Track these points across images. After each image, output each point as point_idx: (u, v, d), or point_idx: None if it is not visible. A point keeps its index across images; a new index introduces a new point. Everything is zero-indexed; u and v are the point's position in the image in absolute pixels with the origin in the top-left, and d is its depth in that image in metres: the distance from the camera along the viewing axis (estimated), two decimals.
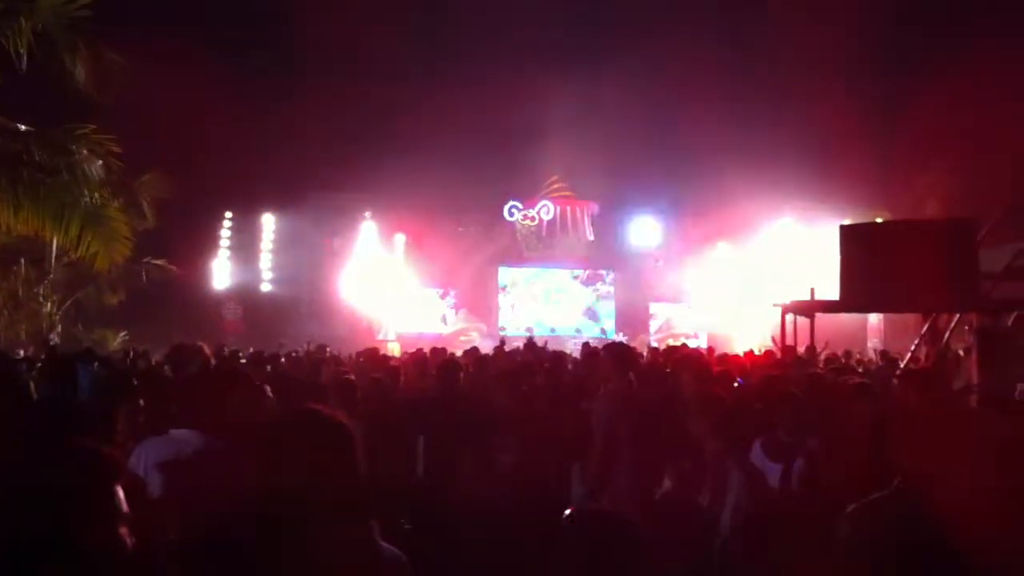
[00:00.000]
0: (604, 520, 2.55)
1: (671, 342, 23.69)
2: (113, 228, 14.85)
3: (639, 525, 2.40)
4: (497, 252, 32.30)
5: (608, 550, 2.28)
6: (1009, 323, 11.31)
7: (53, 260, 18.63)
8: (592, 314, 32.75)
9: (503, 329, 30.81)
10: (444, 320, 31.12)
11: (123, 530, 2.29)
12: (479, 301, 31.89)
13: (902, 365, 13.33)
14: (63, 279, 19.20)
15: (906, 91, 24.49)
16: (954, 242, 9.52)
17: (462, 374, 8.35)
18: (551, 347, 15.92)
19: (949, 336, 12.07)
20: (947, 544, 2.77)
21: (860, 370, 13.42)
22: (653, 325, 31.73)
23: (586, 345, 13.55)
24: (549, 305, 32.55)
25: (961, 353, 11.51)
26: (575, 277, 33.09)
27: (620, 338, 28.51)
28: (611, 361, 6.72)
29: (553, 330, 30.81)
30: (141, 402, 4.91)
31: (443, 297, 31.50)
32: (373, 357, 11.85)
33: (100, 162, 14.37)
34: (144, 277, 20.41)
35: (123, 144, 14.84)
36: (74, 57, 13.46)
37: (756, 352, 15.21)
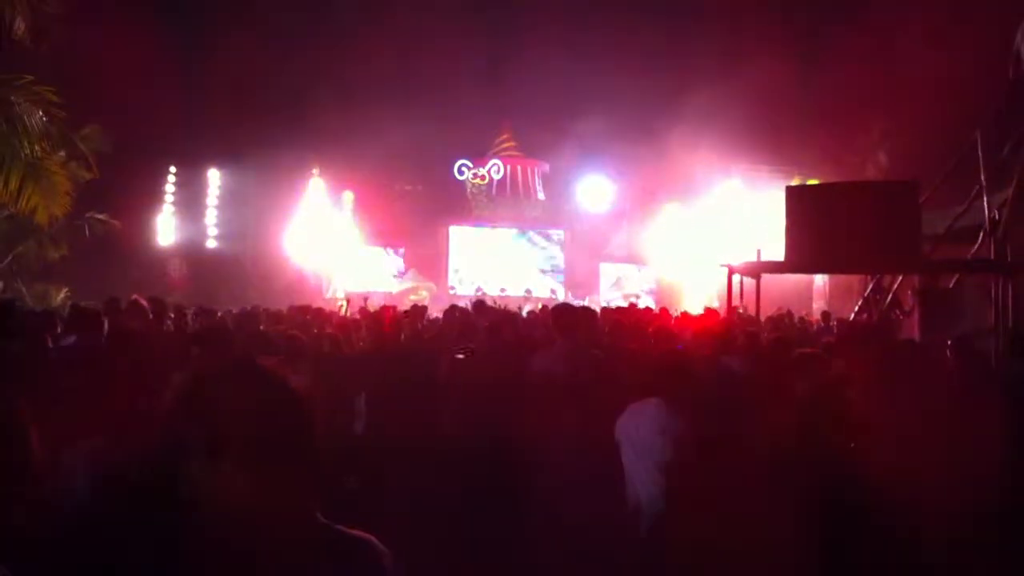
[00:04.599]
0: None
1: (619, 302, 23.89)
2: (54, 182, 14.55)
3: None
4: (447, 211, 32.23)
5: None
6: (950, 285, 11.56)
7: None
8: (541, 274, 32.84)
9: (452, 289, 30.81)
10: (393, 279, 31.01)
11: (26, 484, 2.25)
12: (429, 260, 31.81)
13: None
14: (3, 233, 18.75)
15: (852, 52, 24.71)
16: (897, 204, 9.67)
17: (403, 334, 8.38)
18: (500, 306, 16.07)
19: (892, 297, 12.33)
20: None
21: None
22: (603, 285, 31.88)
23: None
24: (499, 265, 32.54)
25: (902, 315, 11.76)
26: (525, 236, 33.10)
27: (570, 298, 28.70)
28: (554, 321, 6.83)
29: (503, 290, 30.84)
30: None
31: (392, 256, 31.39)
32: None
33: (40, 113, 14.06)
34: (87, 231, 19.99)
35: (64, 97, 14.51)
36: (12, 6, 13.11)
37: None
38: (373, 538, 2.07)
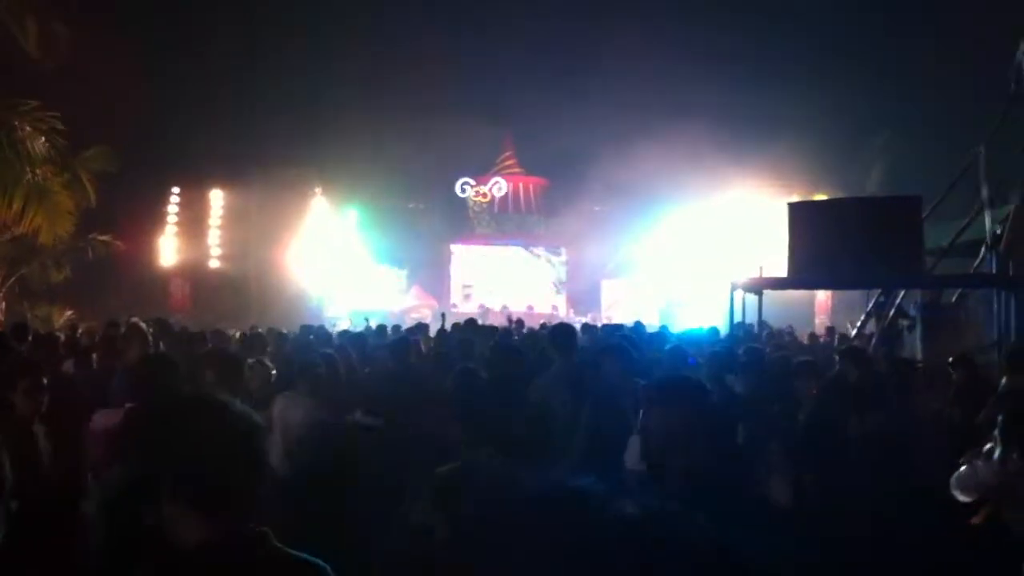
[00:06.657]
0: None
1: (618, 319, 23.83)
2: (57, 203, 14.63)
3: None
4: (449, 229, 32.27)
5: None
6: (953, 299, 11.55)
7: None
8: (543, 291, 32.83)
9: (455, 306, 30.77)
10: (396, 297, 30.96)
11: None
12: (431, 278, 31.81)
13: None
14: (6, 255, 18.75)
15: (852, 66, 24.80)
16: (899, 219, 9.68)
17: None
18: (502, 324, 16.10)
19: (894, 312, 12.30)
20: None
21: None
22: (604, 301, 31.82)
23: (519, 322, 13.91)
24: (501, 282, 32.54)
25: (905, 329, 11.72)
26: (527, 253, 33.12)
27: (572, 315, 28.71)
28: (551, 341, 6.75)
29: (505, 307, 30.82)
30: (44, 380, 4.80)
31: (395, 274, 31.38)
32: None
33: (43, 139, 14.13)
34: (90, 253, 20.00)
35: (68, 118, 14.58)
36: (22, 27, 13.21)
37: None
38: (323, 564, 2.06)
